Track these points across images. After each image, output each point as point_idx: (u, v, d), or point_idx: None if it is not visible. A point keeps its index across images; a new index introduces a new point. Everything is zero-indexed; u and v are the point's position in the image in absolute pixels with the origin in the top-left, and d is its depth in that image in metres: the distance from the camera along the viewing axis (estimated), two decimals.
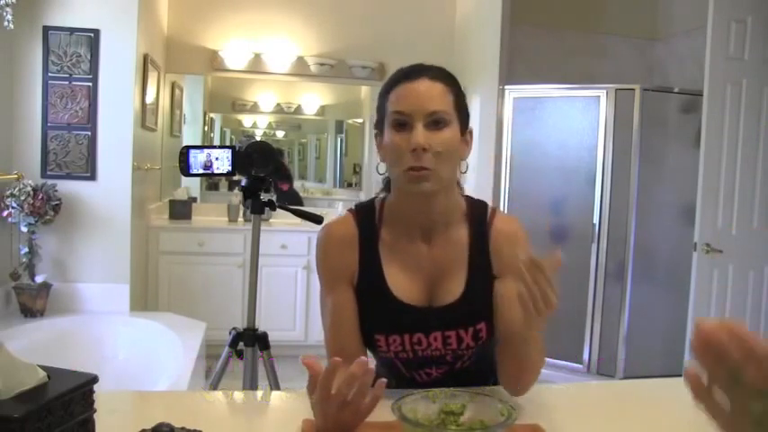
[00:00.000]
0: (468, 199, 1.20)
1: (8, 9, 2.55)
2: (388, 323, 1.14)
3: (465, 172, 1.16)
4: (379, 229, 1.17)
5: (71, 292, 3.10)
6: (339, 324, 1.15)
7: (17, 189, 2.81)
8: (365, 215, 1.19)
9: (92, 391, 0.80)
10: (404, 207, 1.15)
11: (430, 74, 1.09)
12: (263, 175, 1.80)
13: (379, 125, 1.15)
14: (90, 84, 3.08)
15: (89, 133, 3.09)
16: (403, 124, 1.07)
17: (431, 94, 1.07)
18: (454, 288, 1.14)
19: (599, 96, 3.62)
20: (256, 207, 1.83)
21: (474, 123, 1.19)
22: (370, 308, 1.15)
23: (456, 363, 1.16)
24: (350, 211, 1.21)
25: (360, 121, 4.83)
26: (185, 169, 1.77)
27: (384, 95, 1.12)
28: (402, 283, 1.14)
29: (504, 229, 1.16)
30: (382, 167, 1.18)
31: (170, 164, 4.06)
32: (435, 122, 1.06)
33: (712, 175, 3.00)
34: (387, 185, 1.22)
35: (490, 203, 1.23)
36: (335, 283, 1.15)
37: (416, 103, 1.06)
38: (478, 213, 1.18)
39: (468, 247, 1.15)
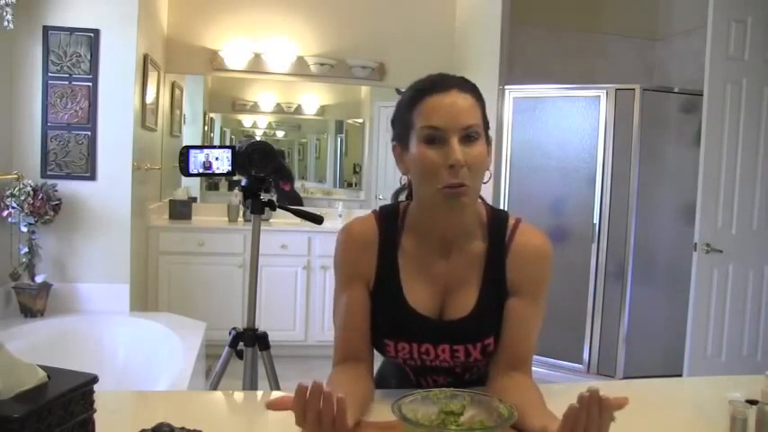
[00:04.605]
0: (489, 209, 1.17)
1: (8, 9, 2.55)
2: (399, 330, 1.13)
3: (487, 181, 1.11)
4: (400, 235, 1.15)
5: (71, 292, 3.09)
6: (351, 325, 1.14)
7: (17, 189, 2.81)
8: (388, 220, 1.17)
9: (92, 391, 0.80)
10: (427, 221, 1.13)
11: (458, 86, 1.06)
12: (263, 175, 1.81)
13: (401, 138, 1.11)
14: (90, 84, 3.08)
15: (89, 133, 3.09)
16: (435, 139, 1.03)
17: (464, 107, 1.04)
18: (465, 303, 1.12)
19: (599, 96, 3.62)
20: (256, 207, 1.84)
21: None
22: (382, 313, 1.14)
23: (465, 374, 1.16)
24: (373, 212, 1.19)
25: (360, 121, 4.83)
26: (185, 169, 1.77)
27: (408, 107, 1.08)
28: (417, 293, 1.13)
29: (526, 246, 1.12)
30: (405, 179, 1.17)
31: (170, 164, 4.06)
32: (469, 137, 1.03)
33: (712, 175, 2.99)
34: (409, 193, 1.19)
35: (510, 214, 1.18)
36: (352, 283, 1.14)
37: (451, 118, 1.02)
38: (499, 226, 1.14)
39: (483, 260, 1.12)
